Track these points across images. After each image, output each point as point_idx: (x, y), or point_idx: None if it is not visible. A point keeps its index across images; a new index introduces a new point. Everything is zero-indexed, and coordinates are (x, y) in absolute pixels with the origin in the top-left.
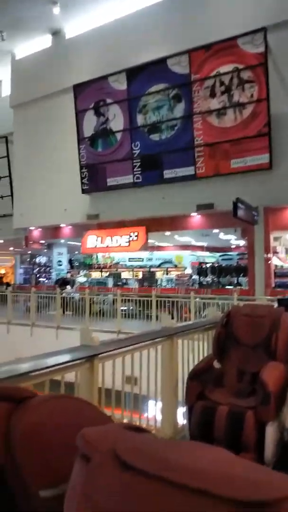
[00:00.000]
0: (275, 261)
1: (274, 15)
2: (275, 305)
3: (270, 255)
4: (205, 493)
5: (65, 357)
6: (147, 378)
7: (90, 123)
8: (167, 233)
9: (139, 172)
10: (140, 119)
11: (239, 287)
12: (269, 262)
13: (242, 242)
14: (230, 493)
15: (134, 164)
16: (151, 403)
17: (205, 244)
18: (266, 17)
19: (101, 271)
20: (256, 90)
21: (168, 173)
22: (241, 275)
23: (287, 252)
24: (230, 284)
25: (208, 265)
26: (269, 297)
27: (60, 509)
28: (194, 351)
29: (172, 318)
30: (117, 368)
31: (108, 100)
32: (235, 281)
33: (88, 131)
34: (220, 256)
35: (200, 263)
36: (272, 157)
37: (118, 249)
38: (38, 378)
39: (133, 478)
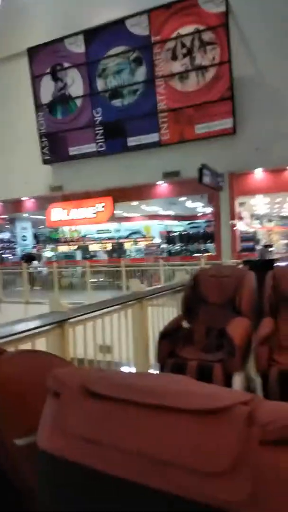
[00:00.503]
0: (241, 226)
1: None
2: (240, 266)
3: (235, 221)
4: (164, 408)
5: (34, 323)
6: (119, 344)
7: (48, 89)
8: (134, 203)
9: (102, 140)
10: (100, 84)
11: (207, 253)
12: (234, 228)
13: (209, 210)
14: (186, 405)
15: (97, 131)
16: (124, 369)
17: (173, 213)
18: None
19: (69, 245)
20: (218, 52)
21: (132, 141)
22: (208, 241)
23: (252, 217)
24: (198, 251)
25: (176, 234)
26: (234, 261)
27: (35, 456)
28: (163, 316)
29: None
30: (88, 336)
31: (66, 64)
32: (203, 248)
33: (46, 97)
34: (187, 224)
35: (168, 232)
36: (236, 121)
37: (85, 221)
38: (6, 346)
39: (101, 404)
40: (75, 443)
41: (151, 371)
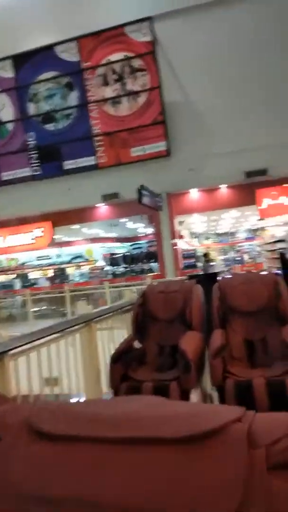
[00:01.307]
0: (181, 244)
1: (159, 5)
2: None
3: (176, 240)
4: (142, 440)
5: None
6: (68, 374)
7: None
8: (75, 226)
9: (37, 164)
10: (32, 108)
11: (152, 273)
12: (175, 247)
13: (150, 230)
14: (169, 433)
15: (31, 155)
16: (74, 400)
17: (115, 235)
18: (153, 7)
19: (6, 274)
20: (148, 79)
21: (68, 164)
22: (152, 261)
23: (192, 235)
24: (142, 271)
25: (119, 255)
26: (179, 278)
27: None
28: (113, 339)
29: None
30: (33, 368)
31: None
32: (147, 268)
33: None
34: (130, 245)
35: (111, 254)
36: (170, 144)
37: (23, 247)
38: None
39: (54, 447)
40: (22, 506)
41: (105, 397)
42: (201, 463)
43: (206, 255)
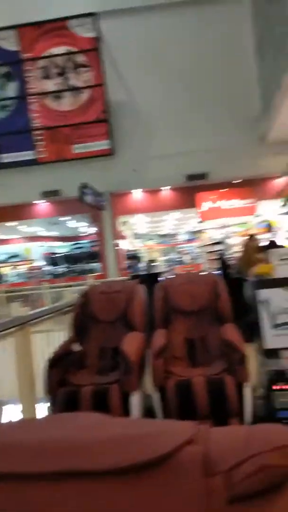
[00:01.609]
0: (124, 245)
1: (105, 2)
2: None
3: (118, 241)
4: (79, 474)
5: None
6: (0, 379)
7: None
8: (11, 223)
9: None
10: None
11: (93, 273)
12: (117, 247)
13: (93, 229)
14: (110, 463)
15: None
16: (7, 408)
17: (55, 233)
18: (98, 3)
19: None
20: (91, 75)
21: (6, 157)
22: (94, 261)
23: (134, 235)
24: (84, 272)
25: (60, 255)
26: (121, 278)
27: None
28: (49, 343)
29: None
30: None
31: None
32: (89, 268)
33: None
34: (72, 244)
35: (52, 254)
36: (114, 143)
37: None
38: None
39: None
40: None
41: (40, 405)
42: (148, 497)
43: (151, 261)
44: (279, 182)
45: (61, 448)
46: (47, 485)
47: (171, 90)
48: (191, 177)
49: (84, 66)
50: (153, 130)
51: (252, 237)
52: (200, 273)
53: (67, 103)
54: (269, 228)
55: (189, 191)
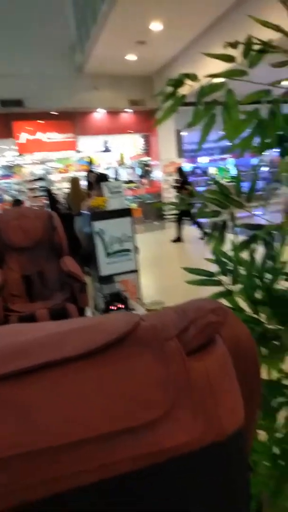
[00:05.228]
0: None
1: None
2: None
3: None
4: (39, 367)
5: None
6: None
7: None
8: None
9: None
10: None
11: None
12: None
13: None
14: (77, 348)
15: None
16: None
17: None
18: None
19: None
20: None
21: None
22: None
23: None
24: None
25: None
26: None
27: None
28: None
29: None
30: None
31: None
32: None
33: None
34: None
35: None
36: None
37: None
38: None
39: None
40: None
41: None
42: (120, 370)
43: None
44: (98, 117)
45: (29, 346)
46: (21, 382)
47: None
48: (5, 103)
49: None
50: None
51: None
52: (31, 208)
53: None
54: (89, 165)
55: (4, 119)
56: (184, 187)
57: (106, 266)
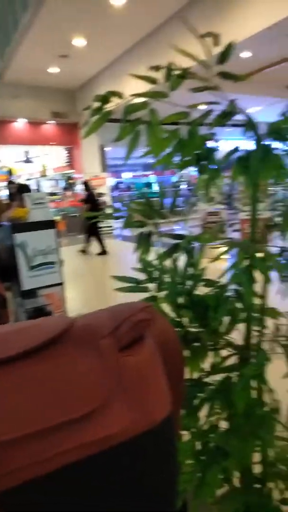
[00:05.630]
0: None
1: None
2: None
3: None
4: None
5: None
6: None
7: None
8: None
9: None
10: None
11: None
12: None
13: None
14: (17, 347)
15: None
16: None
17: None
18: None
19: None
20: None
21: None
22: None
23: None
24: None
25: None
26: None
27: None
28: None
29: None
30: None
31: None
32: None
33: None
34: None
35: None
36: None
37: None
38: None
39: None
40: None
41: None
42: (61, 366)
43: None
44: (18, 127)
45: None
46: None
47: None
48: None
49: None
50: None
51: None
52: None
53: None
54: (9, 175)
55: None
56: (89, 200)
57: (28, 280)
